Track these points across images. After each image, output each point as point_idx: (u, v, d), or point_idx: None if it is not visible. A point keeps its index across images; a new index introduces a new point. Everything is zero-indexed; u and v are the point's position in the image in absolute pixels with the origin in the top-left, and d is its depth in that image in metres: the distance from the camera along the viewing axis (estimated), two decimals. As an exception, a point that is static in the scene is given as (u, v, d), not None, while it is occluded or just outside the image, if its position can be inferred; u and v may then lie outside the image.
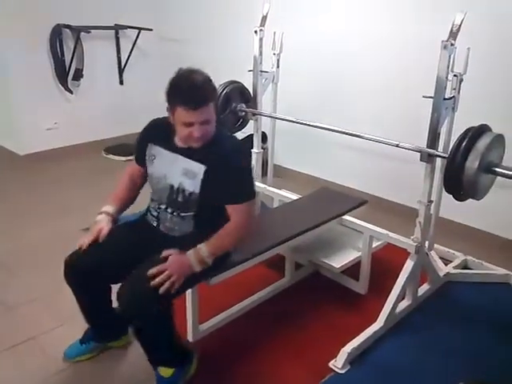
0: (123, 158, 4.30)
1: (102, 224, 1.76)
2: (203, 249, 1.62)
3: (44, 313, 2.18)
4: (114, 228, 1.79)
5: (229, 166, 1.64)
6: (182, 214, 1.73)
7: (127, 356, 1.95)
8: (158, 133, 1.78)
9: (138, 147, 1.90)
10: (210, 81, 1.65)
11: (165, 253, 1.62)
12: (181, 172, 1.69)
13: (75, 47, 4.06)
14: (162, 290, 1.53)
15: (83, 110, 4.39)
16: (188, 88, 1.60)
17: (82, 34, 4.01)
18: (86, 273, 1.69)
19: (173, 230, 1.77)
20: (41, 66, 4.06)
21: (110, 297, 1.81)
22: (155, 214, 1.80)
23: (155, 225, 1.80)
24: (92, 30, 4.04)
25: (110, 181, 3.83)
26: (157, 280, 1.54)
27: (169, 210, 1.75)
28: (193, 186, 1.67)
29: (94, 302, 1.81)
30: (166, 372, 1.73)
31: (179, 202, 1.72)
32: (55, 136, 4.27)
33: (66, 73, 4.15)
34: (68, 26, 4.01)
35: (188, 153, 1.68)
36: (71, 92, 4.25)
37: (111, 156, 4.36)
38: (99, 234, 1.73)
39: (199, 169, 1.65)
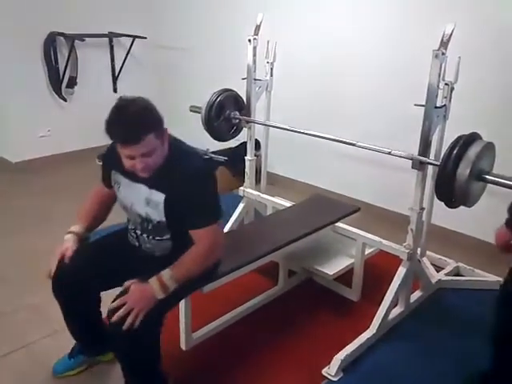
0: (116, 166, 4.29)
1: (68, 244, 1.73)
2: (166, 275, 1.55)
3: (35, 321, 2.17)
4: (101, 238, 1.80)
5: (186, 191, 1.56)
6: (158, 238, 1.70)
7: (116, 370, 1.86)
8: (118, 160, 1.60)
9: (104, 171, 1.85)
10: (149, 110, 1.54)
11: (126, 284, 1.56)
12: (144, 202, 1.64)
13: (69, 55, 4.06)
14: (125, 326, 1.46)
15: (77, 117, 4.39)
16: (119, 125, 1.51)
17: (76, 41, 4.02)
18: (73, 283, 1.67)
19: (153, 251, 1.74)
20: (34, 74, 4.07)
21: (98, 308, 1.80)
22: (134, 235, 1.77)
23: (137, 245, 1.78)
24: (86, 38, 4.05)
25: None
26: (115, 316, 1.48)
27: (144, 236, 1.72)
28: (157, 215, 1.63)
29: (83, 314, 1.78)
30: None
31: (151, 230, 1.69)
32: (48, 143, 4.26)
33: (60, 80, 4.16)
34: (62, 34, 4.02)
35: (147, 181, 1.61)
36: (65, 99, 4.25)
37: (104, 163, 4.35)
38: (64, 254, 1.71)
39: (159, 198, 1.60)
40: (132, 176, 1.63)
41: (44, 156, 4.25)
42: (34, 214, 3.32)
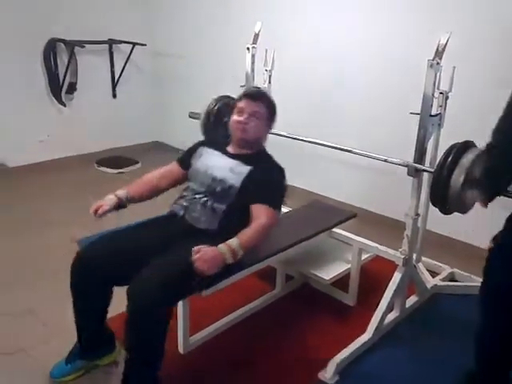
0: (115, 171, 4.33)
1: (106, 202, 1.85)
2: (234, 242, 1.66)
3: (32, 325, 2.18)
4: (133, 226, 1.88)
5: (270, 175, 1.86)
6: (215, 206, 1.82)
7: (113, 377, 1.89)
8: (215, 139, 2.11)
9: (190, 149, 2.08)
10: (274, 104, 1.98)
11: (195, 248, 1.61)
12: (226, 169, 1.86)
13: (69, 61, 4.10)
14: (198, 266, 1.55)
15: (76, 122, 4.42)
16: (254, 88, 2.10)
17: (76, 48, 4.06)
18: (91, 272, 1.71)
19: (198, 222, 1.82)
20: (34, 79, 4.11)
21: (107, 305, 1.82)
22: (185, 204, 1.87)
23: (181, 214, 1.86)
24: (86, 45, 4.09)
25: (102, 193, 3.84)
26: (195, 257, 1.56)
27: (202, 200, 1.84)
28: (235, 180, 1.82)
29: (91, 304, 1.79)
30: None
31: (217, 192, 1.82)
32: (47, 148, 4.29)
33: (60, 86, 4.19)
34: (62, 41, 4.06)
35: (236, 158, 1.89)
36: (64, 105, 4.28)
37: (103, 168, 4.38)
38: (98, 207, 1.82)
39: (245, 169, 1.84)
40: (224, 151, 1.95)
41: (43, 161, 4.28)
42: (32, 218, 3.33)
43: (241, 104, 1.90)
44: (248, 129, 1.87)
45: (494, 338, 1.69)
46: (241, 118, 1.88)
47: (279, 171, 1.91)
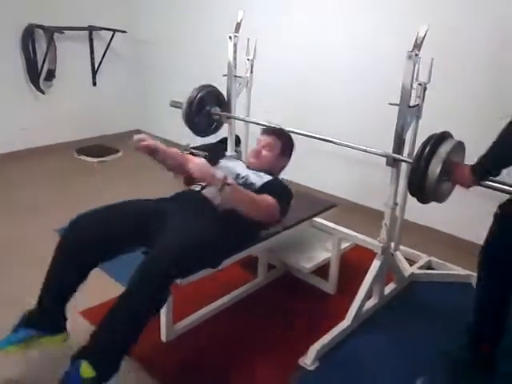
0: (95, 160, 4.29)
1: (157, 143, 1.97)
2: (231, 180, 1.80)
3: (16, 315, 2.17)
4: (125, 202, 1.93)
5: (283, 186, 2.10)
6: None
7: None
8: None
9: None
10: (291, 141, 2.31)
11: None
12: (250, 171, 2.12)
13: (48, 48, 4.03)
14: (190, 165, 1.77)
15: (55, 110, 4.36)
16: (274, 127, 2.35)
17: (56, 34, 3.99)
18: (83, 238, 1.75)
19: (215, 198, 1.91)
20: (12, 66, 4.02)
21: (85, 277, 1.81)
22: (204, 184, 2.00)
23: (198, 189, 2.01)
24: (65, 31, 4.02)
25: (82, 182, 3.83)
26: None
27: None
28: (256, 181, 2.06)
29: (69, 274, 1.79)
30: (87, 372, 1.50)
31: (239, 184, 1.94)
32: (27, 136, 4.23)
33: (38, 73, 4.12)
34: (41, 26, 3.98)
35: (258, 171, 2.15)
36: (43, 92, 4.21)
37: (83, 157, 4.33)
38: (143, 140, 1.92)
39: (266, 177, 2.09)
40: (245, 164, 2.26)
41: (22, 149, 4.21)
42: (13, 206, 3.30)
43: (259, 137, 2.24)
44: (260, 156, 2.18)
45: (490, 298, 1.89)
46: (256, 148, 2.21)
47: (285, 185, 2.15)
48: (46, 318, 1.82)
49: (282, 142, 2.23)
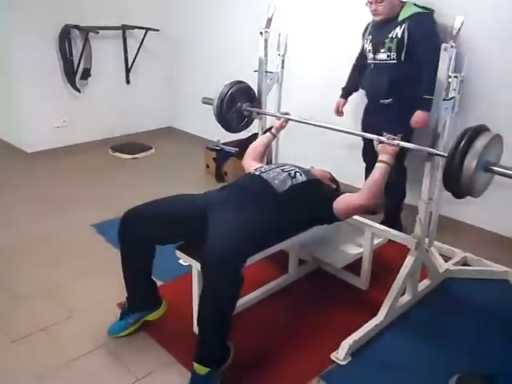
0: (129, 157, 4.38)
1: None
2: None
3: (53, 304, 2.25)
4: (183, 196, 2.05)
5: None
6: (298, 175, 2.10)
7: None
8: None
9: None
10: None
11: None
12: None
13: (83, 47, 4.14)
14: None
15: (91, 108, 4.47)
16: None
17: (91, 34, 4.09)
18: (146, 219, 1.88)
19: (273, 179, 2.03)
20: (50, 66, 4.15)
21: (152, 260, 1.99)
22: (263, 169, 2.14)
23: (257, 174, 2.10)
24: (100, 31, 4.11)
25: (117, 178, 3.93)
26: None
27: (289, 169, 2.12)
28: (301, 179, 2.11)
29: (139, 259, 1.97)
30: (201, 369, 1.73)
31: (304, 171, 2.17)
32: (63, 134, 4.35)
33: (75, 72, 4.24)
34: (77, 27, 4.09)
35: None
36: (79, 91, 4.33)
37: (117, 154, 4.43)
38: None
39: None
40: None
41: (58, 147, 4.35)
42: (50, 202, 3.40)
43: None
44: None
45: None
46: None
47: None
48: (141, 301, 2.06)
49: None
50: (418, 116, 2.58)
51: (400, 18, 2.62)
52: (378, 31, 2.74)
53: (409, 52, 2.61)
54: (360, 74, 2.96)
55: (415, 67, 2.56)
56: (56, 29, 4.06)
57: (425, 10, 2.63)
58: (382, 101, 2.75)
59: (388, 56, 2.68)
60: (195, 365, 1.74)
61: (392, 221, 2.87)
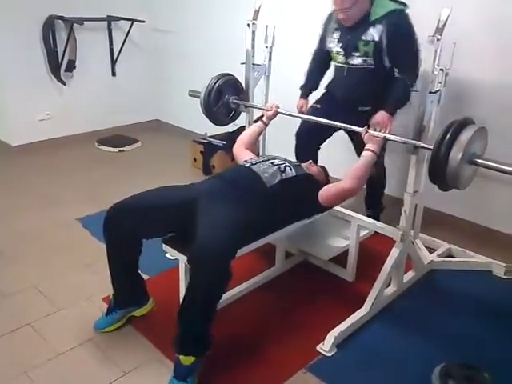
0: (115, 150, 4.34)
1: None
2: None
3: (40, 300, 2.23)
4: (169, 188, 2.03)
5: None
6: (287, 169, 2.09)
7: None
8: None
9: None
10: None
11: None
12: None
13: (68, 39, 4.07)
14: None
15: (76, 101, 4.41)
16: None
17: (75, 25, 4.02)
18: (132, 213, 1.86)
19: (263, 172, 2.02)
20: (33, 58, 4.08)
21: (138, 255, 1.97)
22: (253, 161, 2.13)
23: (247, 165, 2.09)
24: (85, 22, 4.05)
25: (103, 172, 3.89)
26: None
27: (279, 163, 2.12)
28: (291, 174, 2.10)
29: (125, 254, 1.95)
30: (186, 360, 1.74)
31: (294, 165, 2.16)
32: (48, 127, 4.29)
33: (59, 64, 4.17)
34: (61, 18, 4.02)
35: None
36: (64, 83, 4.27)
37: (104, 147, 4.39)
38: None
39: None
40: None
41: (43, 139, 4.28)
42: (35, 196, 3.36)
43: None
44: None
45: None
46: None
47: None
48: (128, 296, 2.05)
49: None
50: (380, 117, 2.38)
51: (373, 17, 2.39)
52: (348, 32, 2.50)
53: (387, 56, 2.43)
54: (322, 73, 2.81)
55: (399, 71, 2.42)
56: (40, 20, 3.99)
57: (399, 4, 2.41)
58: (360, 108, 2.55)
59: (364, 61, 2.47)
60: (181, 357, 1.74)
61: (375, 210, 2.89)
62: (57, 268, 2.49)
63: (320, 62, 2.79)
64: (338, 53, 2.58)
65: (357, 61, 2.50)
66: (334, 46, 2.58)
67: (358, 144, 2.50)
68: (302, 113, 2.78)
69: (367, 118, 2.38)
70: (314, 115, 2.52)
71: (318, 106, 2.75)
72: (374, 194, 2.93)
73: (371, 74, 2.49)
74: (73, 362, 1.88)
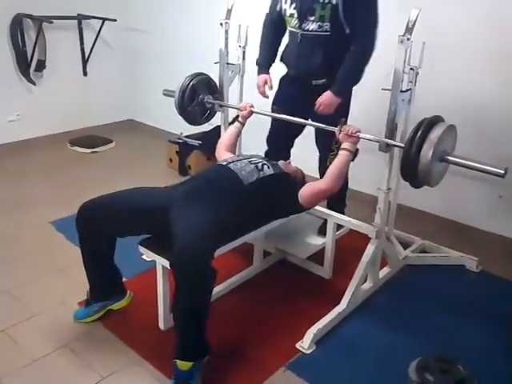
0: (88, 150, 4.27)
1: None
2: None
3: (14, 305, 2.19)
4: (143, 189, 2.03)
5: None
6: (265, 167, 2.09)
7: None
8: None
9: None
10: None
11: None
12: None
13: (37, 38, 3.97)
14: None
15: (47, 101, 4.32)
16: None
17: (44, 24, 3.93)
18: (91, 218, 1.88)
19: (240, 170, 2.02)
20: (1, 57, 3.96)
21: (113, 249, 1.98)
22: (230, 160, 2.12)
23: (224, 164, 2.08)
24: (54, 20, 3.96)
25: (76, 173, 3.82)
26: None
27: (256, 161, 2.11)
28: (269, 172, 2.10)
29: (98, 248, 1.96)
30: (184, 365, 1.72)
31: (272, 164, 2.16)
32: (18, 128, 4.18)
33: (28, 64, 4.07)
34: (29, 16, 3.92)
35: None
36: (34, 83, 4.17)
37: (76, 148, 4.31)
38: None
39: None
40: None
41: (13, 141, 4.17)
42: (6, 199, 3.28)
43: None
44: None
45: None
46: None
47: None
48: (104, 290, 2.06)
49: None
50: (327, 98, 2.27)
51: None
52: None
53: (345, 22, 2.22)
54: (276, 39, 2.55)
55: (352, 40, 2.24)
56: (7, 18, 3.87)
57: None
58: (314, 82, 2.37)
59: (320, 27, 2.24)
60: (178, 362, 1.72)
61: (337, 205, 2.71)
62: (30, 273, 2.44)
63: (272, 27, 2.53)
64: (291, 15, 2.33)
65: (311, 26, 2.27)
66: (287, 7, 2.34)
67: (321, 137, 2.53)
68: (264, 92, 2.56)
69: (321, 93, 2.28)
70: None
71: (275, 106, 2.64)
72: (336, 195, 2.84)
73: (327, 42, 2.28)
74: (49, 369, 1.85)
